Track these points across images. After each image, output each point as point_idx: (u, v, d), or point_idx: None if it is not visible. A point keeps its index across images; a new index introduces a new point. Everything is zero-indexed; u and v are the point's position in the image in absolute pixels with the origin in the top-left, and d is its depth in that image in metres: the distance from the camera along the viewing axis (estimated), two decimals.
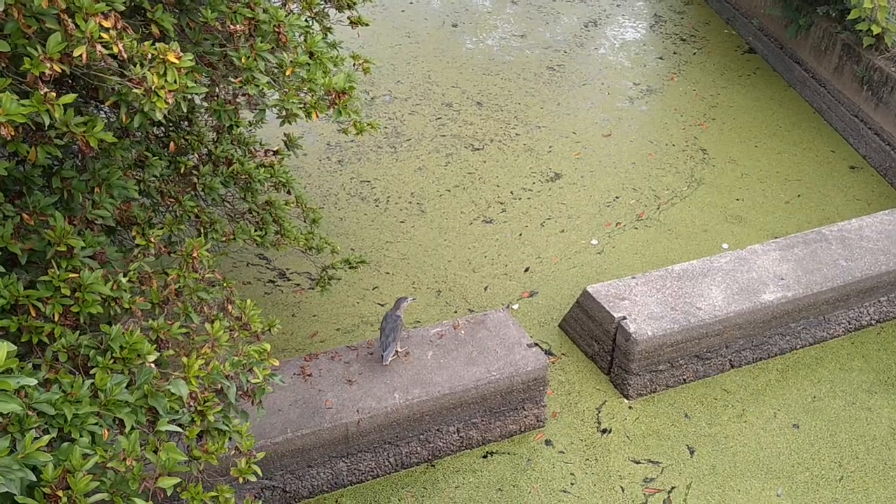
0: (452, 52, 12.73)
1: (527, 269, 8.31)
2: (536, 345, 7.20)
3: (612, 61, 12.72)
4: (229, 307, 4.27)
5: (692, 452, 6.43)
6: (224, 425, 3.51)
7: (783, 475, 6.32)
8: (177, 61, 2.92)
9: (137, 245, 3.91)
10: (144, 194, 5.28)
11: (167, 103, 2.94)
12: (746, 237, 8.81)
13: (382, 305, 7.78)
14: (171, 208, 5.34)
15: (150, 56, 2.93)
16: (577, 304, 7.28)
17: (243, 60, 3.61)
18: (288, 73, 3.74)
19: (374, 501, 5.98)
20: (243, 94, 3.81)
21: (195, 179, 5.39)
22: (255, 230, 6.01)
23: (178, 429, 3.19)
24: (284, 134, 6.46)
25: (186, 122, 5.53)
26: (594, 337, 7.12)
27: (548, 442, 6.48)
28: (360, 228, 8.83)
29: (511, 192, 9.51)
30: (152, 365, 3.24)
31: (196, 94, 3.08)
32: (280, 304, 7.74)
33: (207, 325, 3.79)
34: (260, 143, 6.14)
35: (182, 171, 5.36)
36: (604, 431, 6.57)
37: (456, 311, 7.72)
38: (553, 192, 9.54)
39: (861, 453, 6.51)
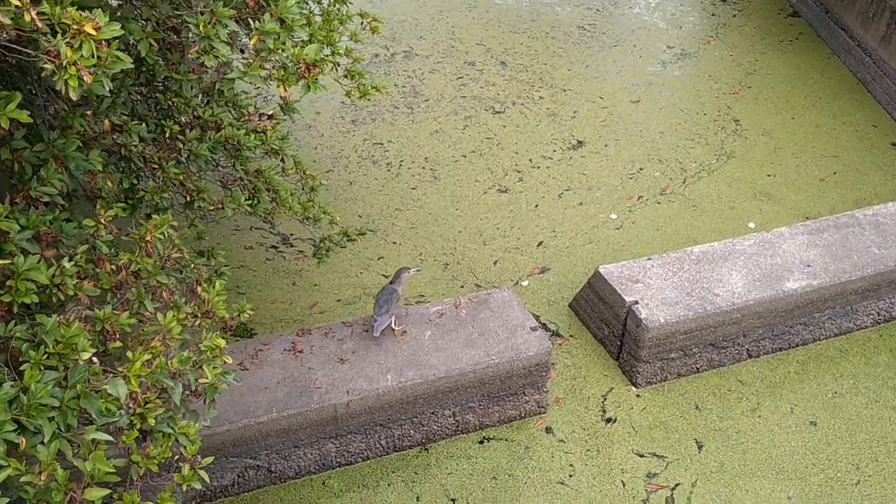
0: (480, 8, 12.22)
1: (540, 244, 7.94)
2: (543, 325, 6.89)
3: (647, 21, 12.13)
4: (199, 290, 3.98)
5: (700, 447, 6.10)
6: (169, 427, 3.26)
7: (796, 476, 5.97)
8: (94, 32, 2.58)
9: (86, 226, 3.62)
10: (126, 160, 5.01)
11: (82, 81, 2.61)
12: (775, 216, 8.34)
13: (386, 277, 7.48)
14: (154, 175, 5.06)
15: (69, 25, 2.59)
16: (589, 285, 6.92)
17: (202, 28, 3.27)
18: (253, 41, 3.40)
19: (362, 485, 5.76)
20: (200, 65, 3.46)
21: (181, 145, 5.08)
22: (247, 198, 5.72)
23: (107, 437, 2.93)
24: (280, 97, 6.12)
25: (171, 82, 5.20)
26: (604, 320, 6.77)
27: (548, 429, 6.19)
28: (370, 194, 8.50)
29: (530, 160, 9.10)
30: (94, 360, 2.97)
31: (122, 68, 2.75)
32: (281, 272, 7.48)
33: (160, 315, 3.51)
34: (255, 107, 5.81)
35: (167, 135, 5.05)
36: (608, 420, 6.26)
37: (462, 286, 7.41)
38: (574, 161, 9.12)
39: (881, 456, 6.13)
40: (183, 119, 5.14)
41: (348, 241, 6.37)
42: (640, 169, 9.01)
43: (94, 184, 4.03)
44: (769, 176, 8.94)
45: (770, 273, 6.71)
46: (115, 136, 4.76)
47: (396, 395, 5.72)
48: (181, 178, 5.16)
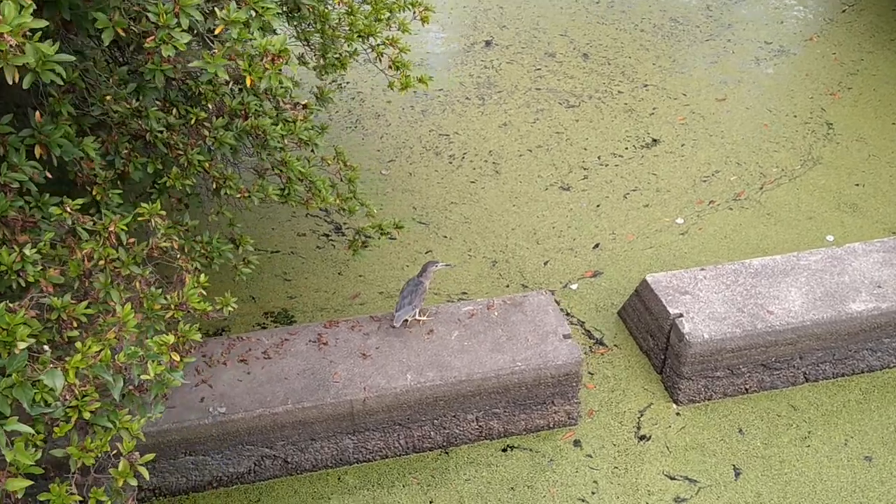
0: None
1: (596, 246, 7.63)
2: (588, 333, 6.63)
3: (746, 15, 11.49)
4: (187, 279, 3.95)
5: (738, 474, 5.71)
6: (109, 422, 3.23)
7: None
8: None
9: (53, 215, 3.64)
10: (151, 146, 5.06)
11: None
12: (858, 230, 7.73)
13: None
14: (178, 161, 5.09)
15: None
16: (636, 294, 6.58)
17: (161, 17, 3.21)
18: (217, 31, 3.31)
19: (377, 483, 5.67)
20: (157, 54, 3.40)
21: (206, 132, 5.09)
22: (280, 188, 5.70)
23: (28, 428, 2.92)
24: (316, 87, 6.07)
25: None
26: (650, 331, 6.43)
27: (576, 442, 5.93)
28: (428, 186, 8.38)
29: (598, 157, 8.76)
30: (47, 349, 2.98)
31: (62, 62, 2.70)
32: (329, 261, 7.46)
33: (118, 307, 3.50)
34: (290, 96, 5.77)
35: (193, 122, 5.07)
36: (642, 438, 5.95)
37: (508, 286, 7.19)
38: (646, 160, 8.72)
39: None
40: (210, 106, 5.13)
41: (382, 234, 6.27)
42: (716, 172, 8.53)
43: (91, 170, 4.07)
44: (857, 185, 8.30)
45: (834, 292, 6.21)
46: (139, 122, 4.82)
47: (415, 395, 5.59)
48: (206, 164, 5.18)
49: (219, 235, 5.54)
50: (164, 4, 3.21)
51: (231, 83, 5.40)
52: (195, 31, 3.53)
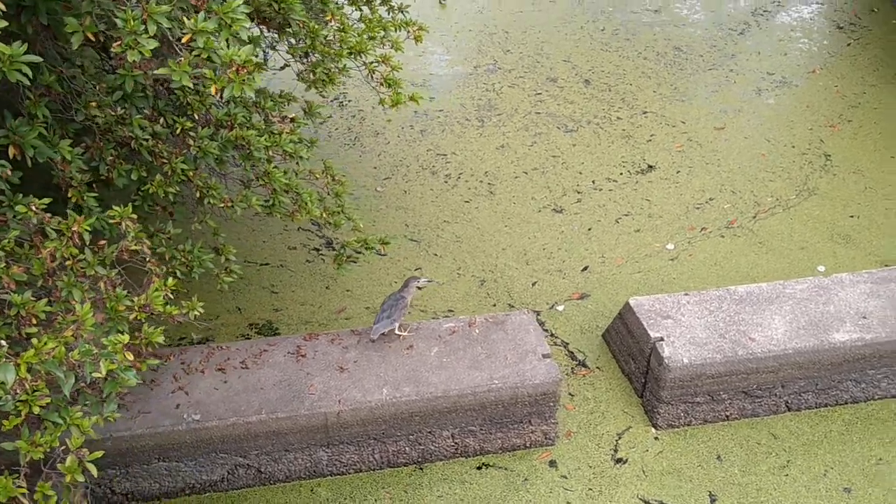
0: (574, 24, 11.98)
1: (585, 269, 7.63)
2: (571, 354, 6.62)
3: (749, 45, 11.54)
4: (155, 281, 4.00)
5: (713, 500, 5.66)
6: (59, 418, 3.26)
7: None
8: None
9: (17, 214, 3.70)
10: (136, 153, 5.13)
11: None
12: (850, 261, 7.70)
13: (419, 288, 7.35)
14: (162, 169, 5.16)
15: None
16: (619, 316, 6.58)
17: (129, 23, 3.27)
18: (185, 40, 3.38)
19: (350, 496, 5.67)
20: (120, 60, 3.46)
21: (191, 142, 5.16)
22: (266, 200, 5.76)
23: None
24: (305, 101, 6.15)
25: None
26: (631, 354, 6.42)
27: (552, 463, 5.90)
28: (422, 204, 8.43)
29: (593, 182, 8.79)
30: (3, 344, 3.02)
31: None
32: (318, 274, 7.51)
33: (77, 306, 3.54)
34: (279, 109, 5.84)
35: (178, 131, 5.14)
36: (618, 461, 5.91)
37: (495, 305, 7.20)
38: (640, 185, 8.74)
39: None
40: (196, 116, 5.21)
41: (367, 249, 6.30)
42: (710, 199, 8.53)
43: (67, 172, 4.13)
44: (852, 217, 8.27)
45: (818, 321, 6.18)
46: (124, 129, 4.90)
47: (390, 409, 5.60)
48: (190, 173, 5.24)
49: (202, 244, 5.60)
50: (132, 11, 3.28)
51: (218, 94, 5.48)
52: (166, 39, 3.59)
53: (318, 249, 7.82)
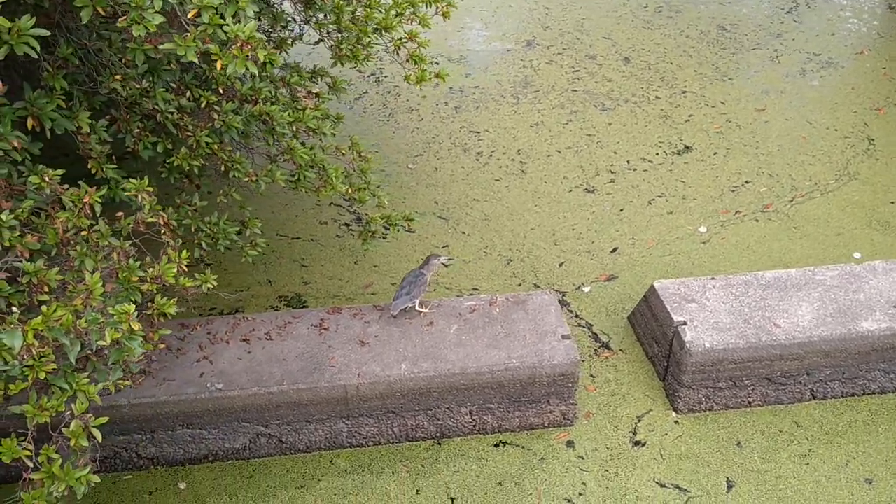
0: (616, 1, 11.79)
1: (614, 250, 7.58)
2: (595, 336, 6.60)
3: (796, 25, 11.25)
4: (170, 253, 4.09)
5: (730, 487, 5.63)
6: (66, 384, 3.37)
7: None
8: None
9: (32, 184, 3.80)
10: (161, 126, 5.23)
11: None
12: (888, 248, 7.52)
13: (446, 266, 7.40)
14: (186, 142, 5.25)
15: None
16: (644, 299, 6.53)
17: None
18: (191, 15, 3.41)
19: (368, 468, 5.76)
20: (128, 34, 3.50)
21: (215, 115, 5.24)
22: (292, 175, 5.84)
23: None
24: (329, 76, 6.18)
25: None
26: (655, 338, 6.38)
27: (569, 443, 5.92)
28: (452, 182, 8.44)
29: (627, 162, 8.70)
30: (14, 310, 3.13)
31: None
32: (347, 249, 7.58)
33: (87, 275, 3.63)
34: (306, 83, 5.89)
35: (203, 105, 5.23)
36: (636, 444, 5.90)
37: (520, 284, 7.20)
38: (675, 166, 8.62)
39: None
40: (221, 90, 5.28)
41: (391, 225, 6.35)
42: (746, 182, 8.39)
43: (87, 144, 4.24)
44: (893, 203, 8.07)
45: (847, 309, 6.06)
46: (148, 102, 4.99)
47: (408, 384, 5.66)
48: (214, 147, 5.33)
49: (228, 217, 5.70)
50: None
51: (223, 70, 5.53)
52: (174, 13, 3.64)
53: (347, 225, 7.89)
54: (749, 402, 6.14)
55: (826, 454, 5.82)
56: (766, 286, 6.30)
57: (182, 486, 5.65)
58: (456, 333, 5.91)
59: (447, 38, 11.00)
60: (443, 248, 7.59)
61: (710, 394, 6.06)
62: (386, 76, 10.12)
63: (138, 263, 3.94)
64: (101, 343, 3.36)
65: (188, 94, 5.35)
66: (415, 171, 8.56)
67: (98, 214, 3.90)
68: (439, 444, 5.93)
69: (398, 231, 6.85)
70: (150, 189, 4.20)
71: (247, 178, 5.55)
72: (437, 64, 10.26)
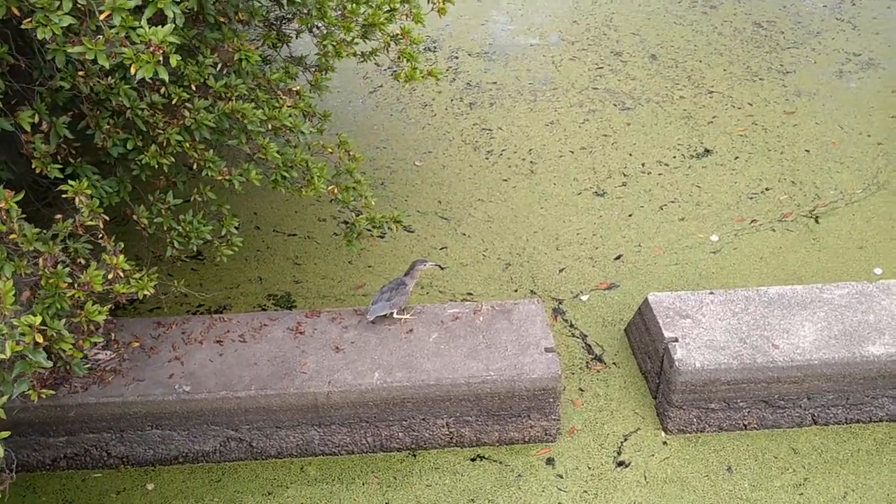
0: None
1: (618, 257, 7.28)
2: (588, 347, 6.35)
3: (837, 23, 10.72)
4: (111, 259, 3.96)
5: None
6: None
7: None
8: None
9: None
10: (131, 123, 5.12)
11: None
12: None
13: (443, 269, 7.17)
14: (157, 139, 5.14)
15: None
16: (639, 312, 6.24)
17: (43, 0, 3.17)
18: (103, 17, 3.24)
19: (338, 478, 5.60)
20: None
21: (187, 113, 5.11)
22: (273, 175, 5.68)
23: None
24: (310, 73, 6.01)
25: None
26: (648, 353, 6.08)
27: (550, 461, 5.67)
28: (458, 180, 8.21)
29: (642, 164, 8.36)
30: None
31: None
32: (342, 248, 7.42)
33: (1, 283, 3.51)
34: (286, 81, 5.73)
35: (174, 102, 5.10)
36: (620, 464, 5.63)
37: (516, 290, 6.96)
38: (693, 170, 8.26)
39: None
40: (193, 87, 5.15)
41: (374, 227, 6.17)
42: (766, 189, 7.98)
43: (30, 144, 4.13)
44: None
45: (853, 332, 5.69)
46: (116, 98, 4.88)
47: (381, 394, 5.47)
48: (186, 145, 5.20)
49: (202, 215, 5.58)
50: None
51: (219, 65, 5.40)
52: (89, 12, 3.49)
53: (346, 222, 7.71)
54: (744, 425, 5.81)
55: (822, 484, 5.47)
56: (769, 303, 5.95)
57: (150, 487, 5.57)
58: (435, 342, 5.70)
59: (469, 32, 10.75)
60: (441, 249, 7.38)
61: (702, 414, 5.75)
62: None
63: (67, 270, 3.83)
64: (0, 356, 3.25)
65: (162, 90, 5.23)
66: (421, 169, 8.36)
67: (14, 219, 3.77)
68: (414, 455, 5.74)
69: (393, 231, 6.67)
70: (88, 192, 4.08)
71: (220, 177, 5.41)
72: (457, 58, 10.04)
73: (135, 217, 5.28)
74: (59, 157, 4.94)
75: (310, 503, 5.44)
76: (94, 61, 4.21)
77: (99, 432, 5.55)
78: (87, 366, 5.45)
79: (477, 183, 8.17)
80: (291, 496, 5.48)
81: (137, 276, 4.26)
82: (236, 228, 5.73)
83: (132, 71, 3.36)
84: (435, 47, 10.49)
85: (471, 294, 6.91)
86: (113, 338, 5.67)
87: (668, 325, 5.79)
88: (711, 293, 6.05)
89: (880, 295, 5.98)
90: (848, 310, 5.87)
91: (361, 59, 6.48)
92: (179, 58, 3.47)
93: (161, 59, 3.33)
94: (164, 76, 3.48)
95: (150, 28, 3.24)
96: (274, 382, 5.46)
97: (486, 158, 8.48)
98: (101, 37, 3.30)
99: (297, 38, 6.59)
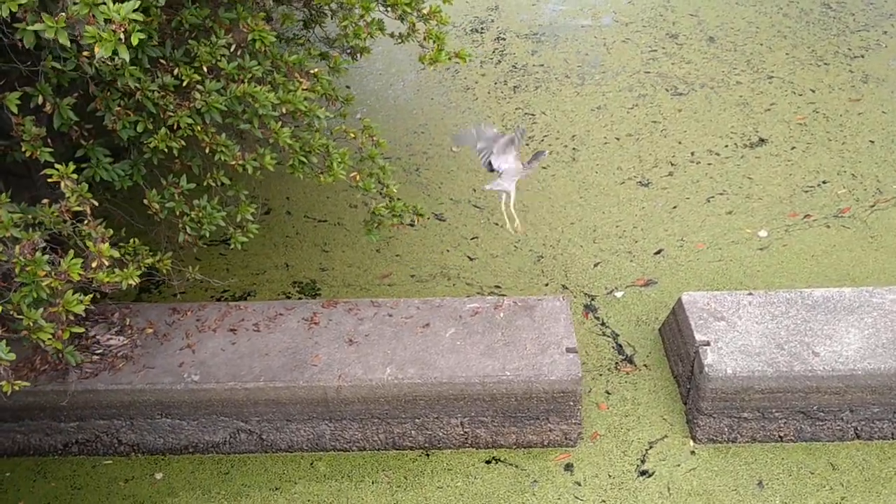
0: None
1: (659, 252, 6.91)
2: (619, 347, 6.05)
3: None
4: (97, 248, 3.84)
5: None
6: None
7: None
8: None
9: None
10: (141, 106, 5.01)
11: None
12: None
13: (472, 259, 6.94)
14: (167, 122, 5.01)
15: None
16: (673, 312, 5.89)
17: None
18: None
19: (348, 475, 5.43)
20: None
21: (198, 95, 4.97)
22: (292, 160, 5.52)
23: None
24: (329, 56, 5.79)
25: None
26: (680, 356, 5.74)
27: (568, 467, 5.40)
28: None
29: (692, 153, 7.94)
30: None
31: None
32: (374, 236, 7.22)
33: None
34: (303, 64, 5.53)
35: (185, 84, 4.96)
36: (643, 473, 5.32)
37: (547, 284, 6.67)
38: (745, 160, 7.80)
39: None
40: (204, 68, 5.00)
41: (394, 217, 5.96)
42: (823, 182, 7.48)
43: (19, 126, 4.03)
44: None
45: None
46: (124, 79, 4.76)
47: (392, 390, 5.28)
48: (197, 128, 5.06)
49: (217, 200, 5.45)
50: None
51: (233, 46, 5.23)
52: None
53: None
54: (780, 437, 5.43)
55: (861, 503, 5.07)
56: (812, 306, 5.53)
57: (158, 476, 5.50)
58: (451, 338, 5.48)
59: (519, 13, 10.40)
60: (472, 239, 7.13)
61: (734, 424, 5.39)
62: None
63: (46, 257, 3.72)
64: None
65: (176, 70, 5.10)
66: (458, 155, 8.10)
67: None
68: (427, 455, 5.54)
69: (421, 219, 6.46)
70: (74, 176, 3.96)
71: (234, 162, 5.27)
72: (504, 39, 9.74)
73: (145, 201, 5.18)
74: (71, 139, 4.87)
75: (317, 500, 5.29)
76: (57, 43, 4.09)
77: (109, 419, 5.50)
78: (98, 351, 5.40)
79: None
80: (299, 492, 5.35)
81: (131, 267, 4.12)
82: (252, 215, 5.59)
83: (95, 51, 3.20)
84: (482, 28, 10.18)
85: (499, 287, 6.65)
86: (128, 323, 5.61)
87: (700, 328, 5.44)
88: (750, 294, 5.67)
89: None
90: None
91: (399, 41, 6.27)
92: (144, 36, 3.28)
93: (123, 37, 3.16)
94: (125, 55, 3.32)
95: (113, 5, 3.07)
96: (284, 374, 5.32)
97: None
98: (63, 14, 3.15)
99: (331, 18, 6.39)
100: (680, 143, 8.08)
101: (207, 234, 5.37)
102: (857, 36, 9.52)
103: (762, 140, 8.03)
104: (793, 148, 7.90)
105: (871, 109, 8.34)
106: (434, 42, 5.94)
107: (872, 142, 7.91)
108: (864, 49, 9.28)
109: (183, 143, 5.10)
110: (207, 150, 5.23)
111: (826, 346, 5.24)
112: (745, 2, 10.29)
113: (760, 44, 9.49)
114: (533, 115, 8.57)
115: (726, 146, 7.99)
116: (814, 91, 8.66)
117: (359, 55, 6.36)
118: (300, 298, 6.59)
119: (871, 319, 5.41)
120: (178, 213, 5.30)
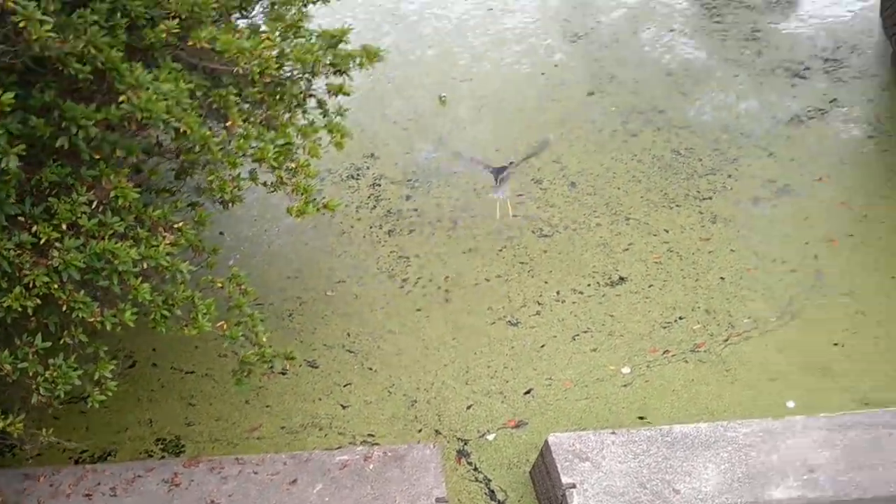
0: (573, 123, 11.56)
1: (528, 392, 7.06)
2: (491, 493, 6.04)
3: (755, 150, 10.90)
4: None
5: None
6: None
7: None
8: None
9: None
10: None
11: None
12: (825, 398, 6.94)
13: (345, 407, 6.90)
14: (22, 281, 4.90)
15: None
16: (541, 454, 5.99)
17: None
18: None
19: None
20: None
21: (55, 253, 4.91)
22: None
23: None
24: (199, 205, 5.86)
25: None
26: (549, 499, 5.79)
27: None
28: (370, 311, 8.02)
29: (557, 293, 8.26)
30: None
31: None
32: (243, 387, 7.09)
33: None
34: (168, 218, 5.56)
35: (44, 241, 4.91)
36: None
37: (420, 430, 6.67)
38: (607, 299, 8.17)
39: None
40: (64, 226, 4.97)
41: (264, 363, 5.92)
42: (679, 318, 7.90)
43: None
44: (836, 346, 7.52)
45: (757, 474, 5.48)
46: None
47: None
48: (54, 286, 4.97)
49: (75, 358, 5.29)
50: None
51: (95, 203, 5.22)
52: None
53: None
54: None
55: None
56: (672, 443, 5.74)
57: None
58: (318, 495, 5.38)
59: (395, 160, 10.79)
60: (345, 386, 7.11)
61: None
62: (324, 197, 9.84)
63: None
64: None
65: (34, 228, 5.04)
66: (332, 299, 8.17)
67: None
68: None
69: (291, 367, 6.42)
70: None
71: (92, 319, 5.16)
72: (380, 185, 10.04)
73: None
74: None
75: None
76: None
77: None
78: None
79: (389, 313, 7.98)
80: None
81: None
82: (112, 372, 5.44)
83: None
84: (358, 174, 10.47)
85: (372, 435, 6.60)
86: None
87: (566, 470, 5.54)
88: (613, 433, 5.84)
89: (785, 433, 5.82)
90: (752, 449, 5.68)
91: (271, 189, 6.40)
92: (3, 193, 3.26)
93: None
94: None
95: None
96: None
97: (401, 287, 8.33)
98: None
99: (202, 170, 6.49)
100: (546, 282, 8.41)
101: (62, 395, 5.18)
102: (705, 179, 10.30)
103: (622, 279, 8.45)
104: (650, 286, 8.35)
105: (721, 248, 8.95)
106: (302, 194, 6.10)
107: (723, 278, 8.46)
108: (712, 191, 10.03)
109: (39, 301, 4.98)
110: (65, 308, 5.12)
111: (686, 483, 5.42)
112: (603, 149, 11.02)
113: (617, 188, 10.12)
114: (407, 258, 8.78)
115: (588, 285, 8.37)
116: (667, 231, 9.24)
117: (230, 204, 6.45)
118: (162, 457, 6.34)
119: (726, 454, 5.64)
120: (31, 373, 5.11)
